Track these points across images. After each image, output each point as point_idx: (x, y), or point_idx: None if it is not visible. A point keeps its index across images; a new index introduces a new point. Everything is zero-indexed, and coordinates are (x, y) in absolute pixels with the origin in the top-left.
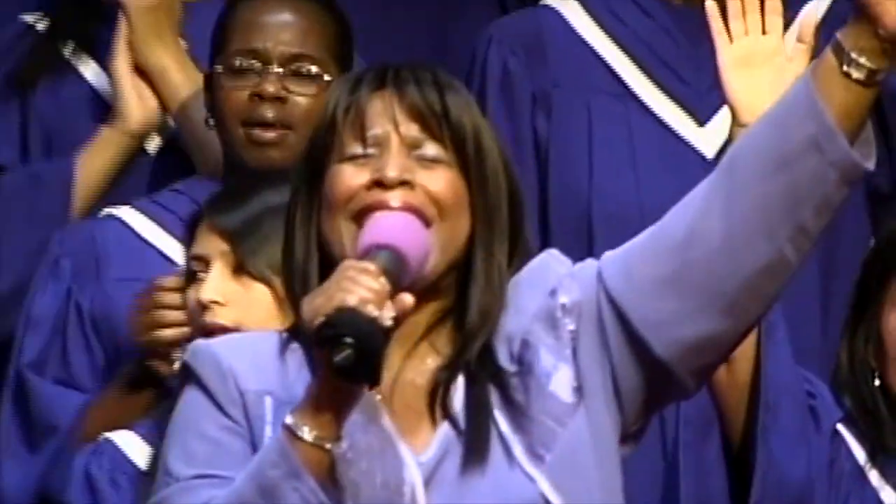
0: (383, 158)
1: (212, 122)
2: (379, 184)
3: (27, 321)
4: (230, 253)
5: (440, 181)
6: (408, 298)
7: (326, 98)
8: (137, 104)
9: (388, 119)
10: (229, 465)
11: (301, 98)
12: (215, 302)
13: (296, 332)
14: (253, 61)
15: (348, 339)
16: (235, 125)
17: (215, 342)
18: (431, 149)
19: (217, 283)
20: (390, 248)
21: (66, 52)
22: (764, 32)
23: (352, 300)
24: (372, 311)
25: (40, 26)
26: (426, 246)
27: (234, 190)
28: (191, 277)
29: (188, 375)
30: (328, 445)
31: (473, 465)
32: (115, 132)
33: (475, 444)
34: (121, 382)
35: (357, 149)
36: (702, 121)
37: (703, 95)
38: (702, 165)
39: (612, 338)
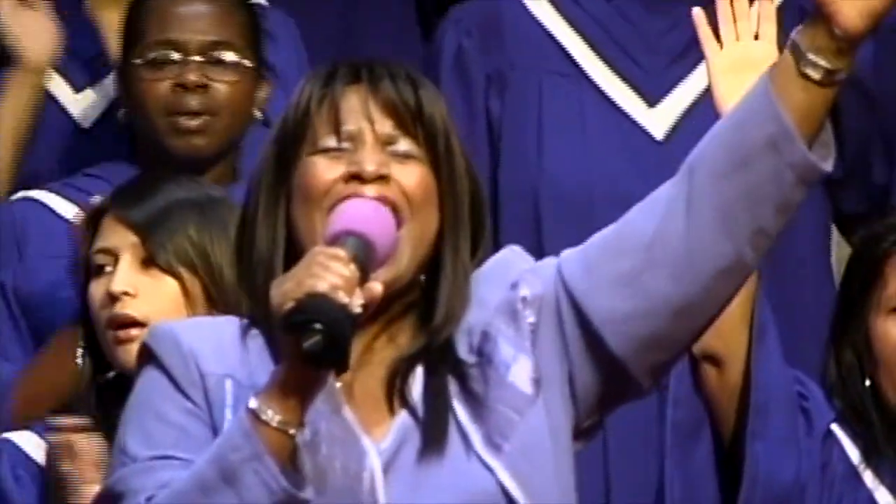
0: (359, 153)
1: (122, 114)
2: (356, 177)
3: None
4: (139, 245)
5: (413, 176)
6: (377, 287)
7: (298, 90)
8: (32, 40)
9: (363, 114)
10: (188, 448)
11: (222, 85)
12: (126, 293)
13: (255, 320)
14: (171, 52)
15: (318, 326)
16: (159, 115)
17: (176, 324)
18: (404, 144)
19: (127, 275)
20: (359, 235)
21: None
22: (756, 38)
23: (322, 286)
24: (342, 297)
25: None
26: (393, 234)
27: (140, 184)
28: (96, 271)
29: (148, 356)
30: (292, 431)
31: (431, 454)
32: (19, 73)
33: (433, 432)
34: (46, 354)
35: (331, 142)
36: (652, 102)
37: (656, 77)
38: (651, 146)
39: (570, 332)
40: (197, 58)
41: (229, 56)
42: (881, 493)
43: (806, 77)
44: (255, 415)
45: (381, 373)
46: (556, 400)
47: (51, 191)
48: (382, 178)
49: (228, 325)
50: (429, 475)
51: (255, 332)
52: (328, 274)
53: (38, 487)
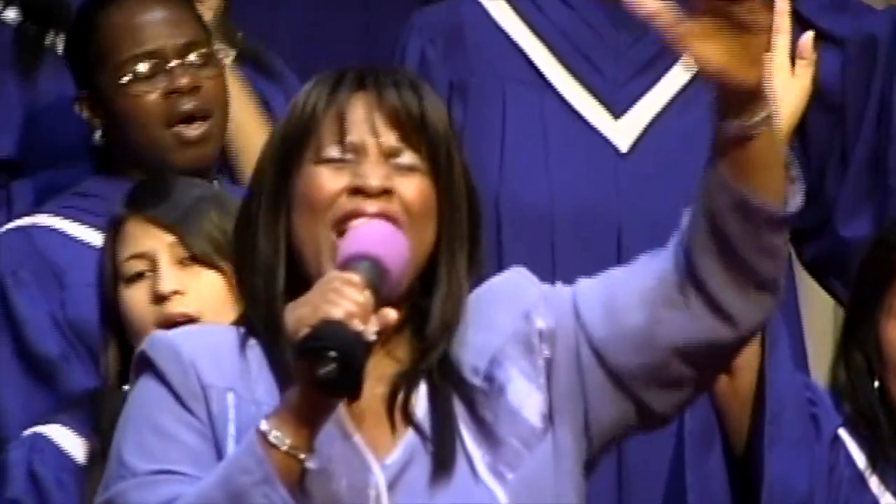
0: (363, 166)
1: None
2: (359, 191)
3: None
4: (176, 244)
5: (414, 189)
6: (392, 314)
7: (303, 95)
8: None
9: (367, 126)
10: (189, 462)
11: (210, 82)
12: (176, 292)
13: (252, 328)
14: (151, 62)
15: (333, 353)
16: (157, 128)
17: (174, 333)
18: (408, 157)
19: (173, 274)
20: (372, 259)
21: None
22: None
23: (338, 313)
24: (357, 325)
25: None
26: (406, 256)
27: (156, 186)
28: (131, 278)
29: (146, 365)
30: (302, 456)
31: (440, 474)
32: None
33: (442, 452)
34: None
35: (334, 152)
36: (617, 113)
37: (620, 87)
38: (615, 158)
39: (590, 377)
40: (176, 62)
41: (205, 52)
42: (887, 499)
43: (736, 140)
44: (265, 438)
45: (382, 389)
46: (567, 436)
47: (55, 215)
48: (386, 193)
49: (225, 334)
50: (435, 495)
51: (252, 341)
52: (344, 300)
53: (78, 487)
